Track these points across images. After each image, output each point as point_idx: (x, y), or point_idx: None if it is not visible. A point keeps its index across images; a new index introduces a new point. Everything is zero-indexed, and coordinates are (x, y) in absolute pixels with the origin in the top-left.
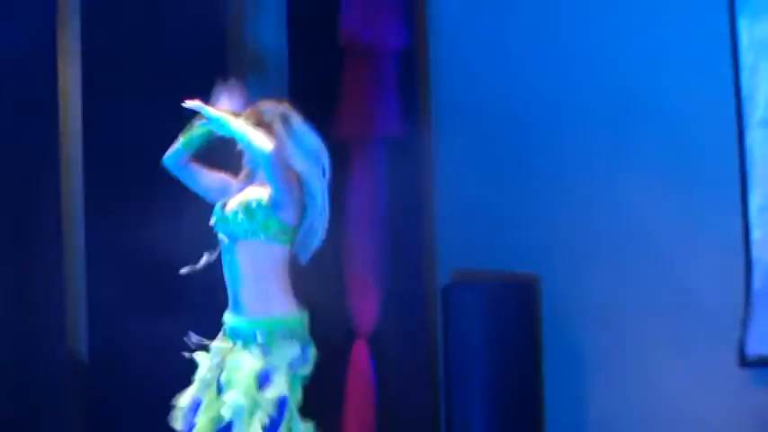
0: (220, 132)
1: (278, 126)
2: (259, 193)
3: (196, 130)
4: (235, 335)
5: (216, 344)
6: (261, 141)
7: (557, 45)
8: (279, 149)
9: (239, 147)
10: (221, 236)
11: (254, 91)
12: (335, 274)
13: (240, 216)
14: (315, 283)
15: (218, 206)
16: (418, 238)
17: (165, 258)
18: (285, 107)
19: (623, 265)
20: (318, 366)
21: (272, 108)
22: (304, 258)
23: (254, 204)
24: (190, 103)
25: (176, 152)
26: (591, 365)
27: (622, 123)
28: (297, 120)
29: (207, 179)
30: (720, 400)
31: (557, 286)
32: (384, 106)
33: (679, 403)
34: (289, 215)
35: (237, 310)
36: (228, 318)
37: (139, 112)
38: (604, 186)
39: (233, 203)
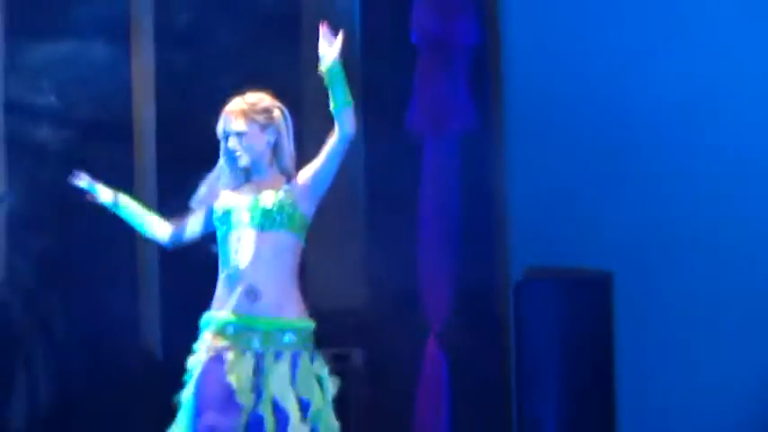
0: (337, 90)
1: (277, 114)
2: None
3: (121, 210)
4: (246, 332)
5: (220, 344)
6: (352, 119)
7: (631, 36)
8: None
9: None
10: (235, 228)
11: None
12: (408, 270)
13: (274, 208)
14: (387, 279)
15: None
16: (491, 234)
17: None
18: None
19: (697, 262)
20: (390, 362)
21: (266, 97)
22: None
23: (284, 196)
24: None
25: (154, 239)
26: (664, 363)
27: (698, 116)
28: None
29: (199, 221)
30: None
31: (630, 283)
32: (457, 101)
33: (756, 402)
34: (311, 208)
35: (252, 307)
36: (234, 314)
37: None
38: (679, 181)
39: (267, 197)
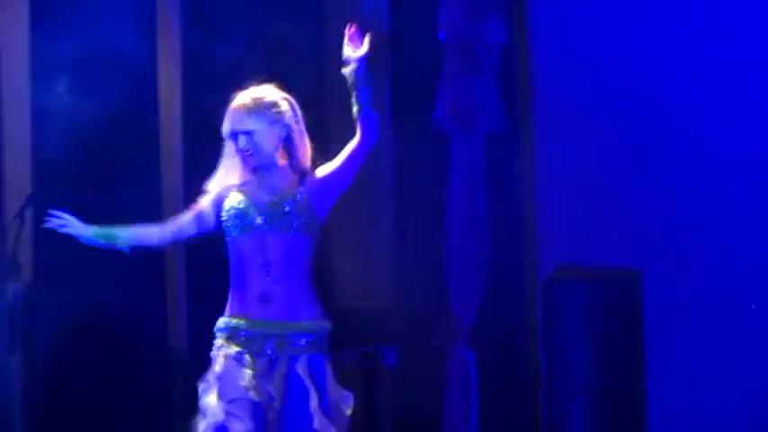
0: (362, 94)
1: (285, 106)
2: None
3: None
4: (260, 336)
5: (234, 349)
6: (376, 125)
7: (659, 37)
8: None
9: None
10: (248, 230)
11: None
12: (436, 270)
13: (287, 209)
14: (416, 278)
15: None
16: (519, 234)
17: None
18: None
19: (727, 259)
20: (419, 362)
21: (272, 90)
22: None
23: (299, 197)
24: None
25: (144, 246)
26: (694, 362)
27: (729, 113)
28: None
29: (195, 219)
30: None
31: (659, 280)
32: (485, 101)
33: None
34: (326, 210)
35: (265, 311)
36: (247, 319)
37: None
38: (708, 178)
39: (281, 198)
